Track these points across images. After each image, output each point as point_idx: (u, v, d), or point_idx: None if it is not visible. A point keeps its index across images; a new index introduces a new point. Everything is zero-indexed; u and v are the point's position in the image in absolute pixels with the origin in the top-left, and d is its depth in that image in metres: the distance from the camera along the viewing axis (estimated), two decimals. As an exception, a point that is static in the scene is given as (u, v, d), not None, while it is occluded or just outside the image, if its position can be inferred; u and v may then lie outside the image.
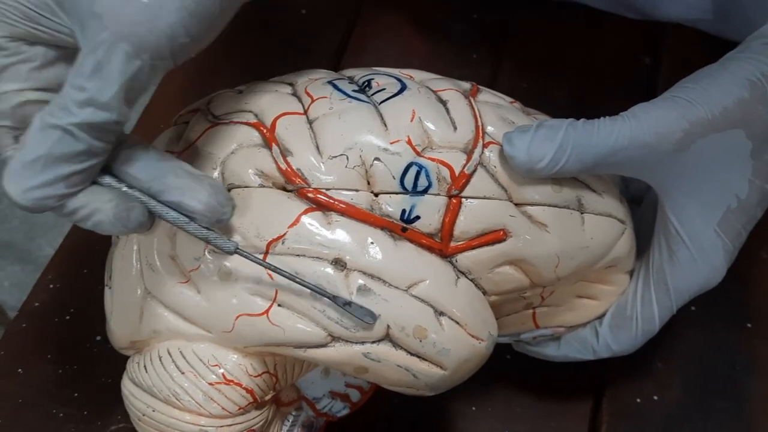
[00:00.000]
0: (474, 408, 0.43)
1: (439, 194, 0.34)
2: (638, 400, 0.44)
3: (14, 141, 0.30)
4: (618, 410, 0.43)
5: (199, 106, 0.37)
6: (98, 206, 0.29)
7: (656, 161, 0.34)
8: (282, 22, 0.58)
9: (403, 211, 0.33)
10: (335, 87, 0.35)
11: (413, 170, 0.33)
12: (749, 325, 0.46)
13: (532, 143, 0.33)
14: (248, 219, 0.32)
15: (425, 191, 0.33)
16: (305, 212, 0.33)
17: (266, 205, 0.33)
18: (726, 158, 0.35)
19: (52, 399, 0.42)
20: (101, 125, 0.28)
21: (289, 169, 0.33)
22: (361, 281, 0.32)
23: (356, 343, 0.32)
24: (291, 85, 0.37)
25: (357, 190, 0.33)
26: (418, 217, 0.33)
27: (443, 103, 0.35)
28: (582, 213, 0.36)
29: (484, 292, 0.35)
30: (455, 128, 0.34)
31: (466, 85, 0.38)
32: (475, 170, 0.34)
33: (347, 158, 0.33)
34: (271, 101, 0.35)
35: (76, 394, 0.42)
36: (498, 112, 0.36)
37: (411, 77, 0.37)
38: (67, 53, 0.30)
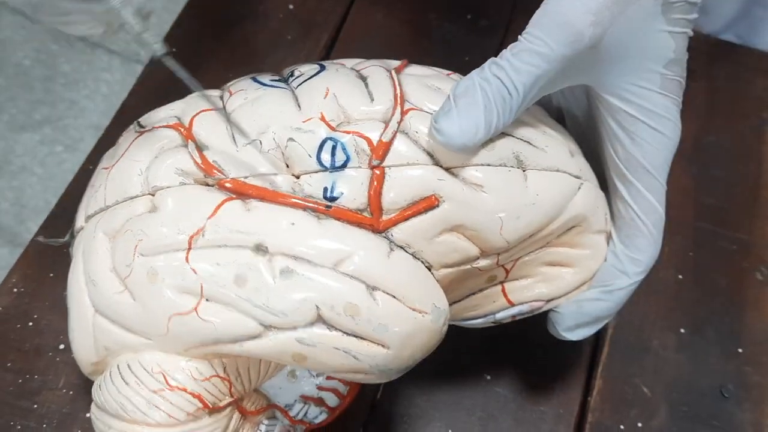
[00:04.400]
0: (451, 431, 0.42)
1: (360, 167, 0.33)
2: (622, 427, 0.42)
3: None
4: (600, 437, 0.42)
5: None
6: None
7: (578, 63, 0.33)
8: (269, 18, 0.56)
9: (325, 188, 0.32)
10: (254, 80, 0.36)
11: (328, 145, 0.33)
12: (740, 350, 0.44)
13: (460, 121, 0.32)
14: (170, 216, 0.32)
15: (344, 165, 0.33)
16: (223, 202, 0.32)
17: (186, 201, 0.33)
18: (642, 24, 0.33)
19: (11, 410, 0.41)
20: None
21: (204, 163, 0.33)
22: (283, 264, 0.31)
23: (288, 329, 0.31)
24: (223, 89, 0.37)
25: (276, 174, 0.33)
26: (341, 193, 0.32)
27: (363, 78, 0.35)
28: (523, 170, 0.34)
29: (429, 267, 0.33)
30: (372, 99, 0.34)
31: (395, 63, 0.37)
32: (394, 137, 0.33)
33: (260, 143, 0.33)
34: (192, 102, 0.35)
35: (35, 406, 0.41)
36: (422, 81, 0.35)
37: (342, 64, 0.37)
38: None
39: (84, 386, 0.41)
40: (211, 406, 0.33)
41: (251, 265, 0.31)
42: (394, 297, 0.32)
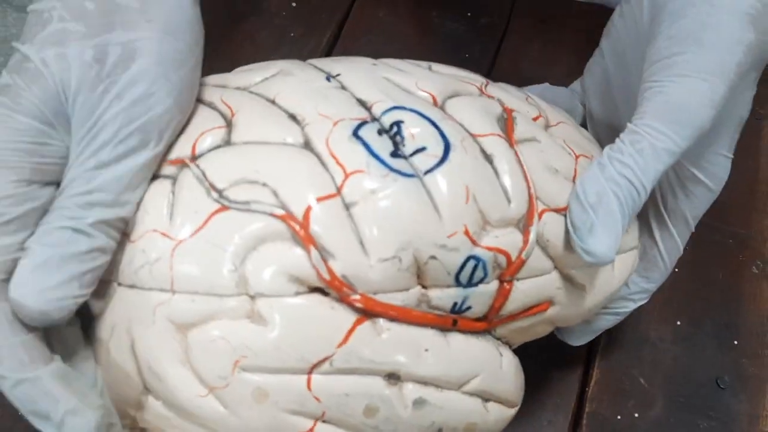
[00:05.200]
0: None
1: (492, 281, 0.31)
2: (619, 417, 0.43)
3: (2, 294, 0.27)
4: (598, 427, 0.42)
5: (181, 156, 0.30)
6: (82, 406, 0.26)
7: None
8: (273, 15, 0.57)
9: (455, 303, 0.31)
10: (367, 148, 0.29)
11: (470, 265, 0.30)
12: (736, 342, 0.45)
13: (607, 239, 0.31)
14: (287, 337, 0.28)
15: (480, 282, 0.31)
16: (354, 326, 0.28)
17: (307, 320, 0.28)
18: (736, 99, 0.34)
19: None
20: (112, 221, 0.27)
21: (333, 279, 0.28)
22: (415, 394, 0.30)
23: None
24: (297, 122, 0.30)
25: (407, 290, 0.29)
26: (469, 308, 0.31)
27: (490, 161, 0.31)
28: (612, 266, 0.35)
29: (511, 345, 0.34)
30: (509, 201, 0.31)
31: (497, 109, 0.33)
32: (531, 253, 0.31)
33: (400, 260, 0.29)
34: (292, 174, 0.29)
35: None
36: (542, 161, 0.32)
37: (434, 98, 0.32)
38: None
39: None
40: None
41: (383, 397, 0.29)
42: (502, 404, 0.33)
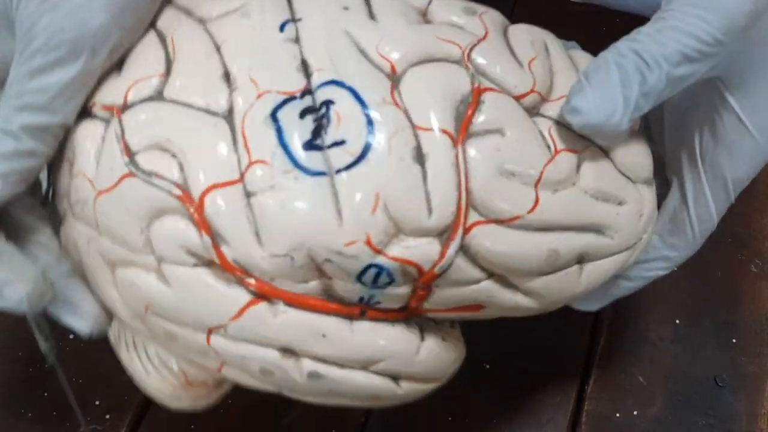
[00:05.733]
0: (450, 418, 0.43)
1: (403, 285, 0.29)
2: (618, 415, 0.43)
3: None
4: (597, 425, 0.43)
5: (114, 103, 0.30)
6: (12, 279, 0.30)
7: (722, 55, 0.29)
8: None
9: (361, 298, 0.30)
10: (280, 137, 0.28)
11: (372, 271, 0.28)
12: (734, 340, 0.45)
13: (595, 97, 0.28)
14: (186, 302, 0.29)
15: (386, 285, 0.29)
16: (248, 305, 0.29)
17: (203, 291, 0.29)
18: None
19: (22, 398, 0.42)
20: (42, 127, 0.29)
21: (223, 263, 0.28)
22: (311, 368, 0.30)
23: (309, 397, 0.32)
24: (228, 83, 0.29)
25: (306, 281, 0.29)
26: (378, 302, 0.30)
27: (421, 162, 0.28)
28: (582, 264, 0.32)
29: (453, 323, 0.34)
30: (430, 211, 0.28)
31: (465, 87, 0.29)
32: (449, 267, 0.29)
33: (292, 259, 0.28)
34: (201, 151, 0.28)
35: (46, 394, 0.42)
36: (494, 161, 0.28)
37: (392, 66, 0.29)
38: None
39: (95, 375, 0.42)
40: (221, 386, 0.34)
41: (278, 366, 0.30)
42: (418, 382, 0.32)
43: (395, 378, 0.31)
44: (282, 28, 0.30)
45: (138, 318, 0.31)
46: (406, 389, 0.32)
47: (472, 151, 0.29)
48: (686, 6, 0.28)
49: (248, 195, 0.28)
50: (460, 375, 0.43)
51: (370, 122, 0.28)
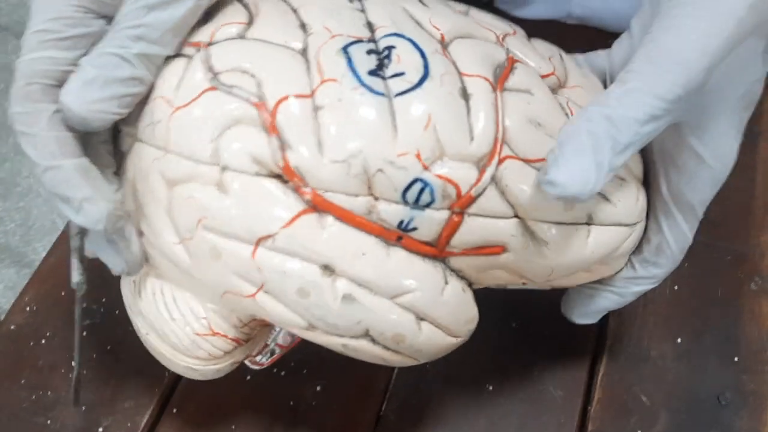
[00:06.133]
0: (454, 440, 0.43)
1: (441, 209, 0.33)
2: (621, 435, 0.43)
3: (50, 96, 0.32)
4: (601, 445, 0.43)
5: (200, 40, 0.34)
6: (93, 196, 0.32)
7: (682, 108, 0.32)
8: None
9: (401, 221, 0.32)
10: (349, 62, 0.32)
11: (417, 186, 0.32)
12: (736, 359, 0.45)
13: (569, 169, 0.30)
14: (241, 208, 0.32)
15: (427, 206, 0.32)
16: (300, 214, 0.32)
17: (260, 198, 0.32)
18: (741, 65, 0.33)
19: (25, 426, 0.42)
20: (153, 57, 0.32)
21: (287, 167, 0.31)
22: (346, 290, 0.32)
23: (335, 335, 0.33)
24: (304, 31, 0.33)
25: (356, 195, 0.32)
26: (415, 228, 0.33)
27: (466, 98, 0.33)
28: (589, 225, 0.35)
29: (470, 284, 0.35)
30: (472, 138, 0.32)
31: (500, 57, 0.35)
32: (483, 192, 0.33)
33: (349, 165, 0.31)
34: (279, 72, 0.32)
35: (49, 422, 0.42)
36: (526, 112, 0.33)
37: (442, 36, 0.34)
38: None
39: (98, 402, 0.42)
40: (245, 342, 0.36)
41: (316, 284, 0.32)
42: (438, 327, 0.34)
43: (419, 317, 0.33)
44: (351, 0, 0.35)
45: (182, 243, 0.33)
46: (427, 333, 0.34)
47: (507, 98, 0.33)
48: (649, 66, 0.31)
49: (316, 108, 0.32)
50: (465, 397, 0.44)
51: (425, 62, 0.33)
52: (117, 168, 0.35)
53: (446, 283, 0.34)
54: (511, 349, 0.45)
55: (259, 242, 0.32)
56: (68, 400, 0.42)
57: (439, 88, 0.32)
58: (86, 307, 0.45)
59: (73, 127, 0.32)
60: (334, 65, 0.32)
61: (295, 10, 0.34)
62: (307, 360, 0.44)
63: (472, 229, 0.33)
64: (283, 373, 0.44)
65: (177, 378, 0.44)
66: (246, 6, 0.35)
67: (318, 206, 0.32)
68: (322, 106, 0.32)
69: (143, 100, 0.33)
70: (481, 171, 0.32)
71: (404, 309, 0.33)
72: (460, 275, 0.35)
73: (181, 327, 0.35)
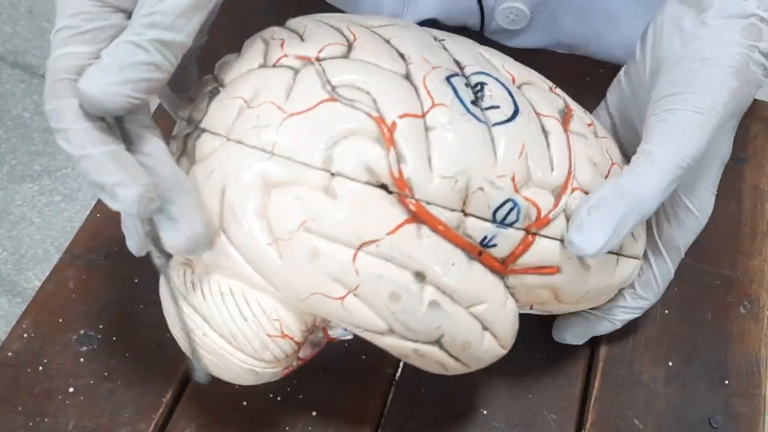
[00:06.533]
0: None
1: (520, 228, 0.36)
2: (614, 458, 0.43)
3: (75, 91, 0.33)
4: (594, 469, 0.43)
5: (308, 55, 0.36)
6: (126, 181, 0.33)
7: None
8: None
9: (485, 237, 0.36)
10: (455, 91, 0.36)
11: (508, 205, 0.36)
12: (726, 381, 0.46)
13: (590, 235, 0.36)
14: (349, 212, 0.34)
15: (510, 225, 0.36)
16: (404, 223, 0.34)
17: (368, 204, 0.34)
18: (721, 138, 0.40)
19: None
20: (167, 43, 0.33)
21: (400, 178, 0.34)
22: (433, 297, 0.35)
23: (410, 340, 0.36)
24: (404, 59, 0.37)
25: (452, 210, 0.35)
26: (495, 245, 0.36)
27: (545, 135, 0.38)
28: (618, 256, 0.40)
29: (516, 301, 0.39)
30: (552, 169, 0.37)
31: (561, 104, 0.40)
32: (557, 216, 0.37)
33: (456, 181, 0.35)
34: (392, 92, 0.35)
35: (47, 449, 0.42)
36: (586, 153, 0.39)
37: (513, 79, 0.39)
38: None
39: (94, 428, 0.43)
40: (301, 346, 0.38)
41: (408, 289, 0.34)
42: (496, 338, 0.38)
43: (484, 327, 0.37)
44: (435, 39, 0.40)
45: (276, 244, 0.34)
46: (488, 342, 0.37)
47: (574, 140, 0.38)
48: (664, 142, 0.37)
49: (427, 129, 0.35)
50: (459, 421, 0.44)
51: (513, 99, 0.37)
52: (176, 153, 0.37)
53: (506, 298, 0.38)
54: (504, 372, 0.45)
55: (362, 246, 0.34)
56: (65, 426, 0.42)
57: (528, 124, 0.37)
58: (83, 334, 0.45)
59: (91, 112, 0.33)
60: (442, 93, 0.36)
61: (387, 41, 0.38)
62: (302, 385, 0.44)
63: (539, 250, 0.37)
64: (279, 398, 0.44)
65: (174, 403, 0.44)
66: (340, 31, 0.38)
67: (419, 217, 0.35)
68: (433, 127, 0.35)
69: (230, 103, 0.36)
70: (557, 198, 0.37)
71: (475, 318, 0.36)
72: (511, 292, 0.38)
73: (253, 327, 0.36)
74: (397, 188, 0.34)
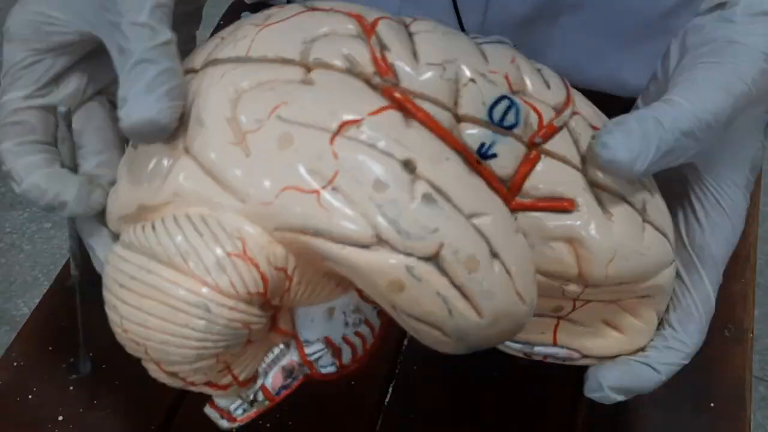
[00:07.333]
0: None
1: (521, 138, 0.33)
2: (602, 482, 0.44)
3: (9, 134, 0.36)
4: (581, 493, 0.43)
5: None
6: (61, 189, 0.35)
7: (709, 141, 0.35)
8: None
9: (482, 144, 0.32)
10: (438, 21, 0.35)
11: (505, 103, 0.33)
12: (712, 404, 0.46)
13: (624, 139, 0.33)
14: (327, 94, 0.31)
15: (510, 128, 0.33)
16: (388, 107, 0.31)
17: (349, 88, 0.31)
18: (749, 129, 0.38)
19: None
20: (158, 47, 0.32)
21: (383, 60, 0.32)
22: (426, 190, 0.30)
23: (403, 253, 0.29)
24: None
25: (443, 107, 0.32)
26: (494, 155, 0.32)
27: (538, 69, 0.36)
28: (644, 220, 0.35)
29: None
30: (548, 87, 0.35)
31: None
32: (562, 127, 0.34)
33: (444, 69, 0.32)
34: (374, 9, 0.34)
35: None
36: (585, 101, 0.37)
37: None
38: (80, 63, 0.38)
39: None
40: (267, 297, 0.31)
41: (396, 176, 0.30)
42: (509, 273, 0.31)
43: (492, 252, 0.31)
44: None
45: (242, 142, 0.31)
46: (498, 275, 0.31)
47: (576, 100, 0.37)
48: (689, 93, 0.34)
49: (410, 33, 0.33)
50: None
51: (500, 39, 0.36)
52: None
53: (516, 231, 0.32)
54: (490, 399, 0.45)
55: (342, 127, 0.30)
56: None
57: (514, 50, 0.35)
58: (73, 362, 0.45)
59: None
60: (425, 20, 0.35)
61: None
62: (290, 414, 0.44)
63: (546, 174, 0.33)
64: (268, 425, 0.44)
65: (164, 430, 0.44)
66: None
67: (406, 107, 0.31)
68: (416, 32, 0.33)
69: (206, 44, 0.35)
70: (559, 111, 0.34)
71: (479, 233, 0.31)
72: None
73: (208, 242, 0.30)
74: (380, 77, 0.32)
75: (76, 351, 0.45)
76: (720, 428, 0.46)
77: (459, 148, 0.32)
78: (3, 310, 1.17)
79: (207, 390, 0.34)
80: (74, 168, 0.37)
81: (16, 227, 1.26)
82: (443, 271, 0.30)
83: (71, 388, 0.45)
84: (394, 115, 0.31)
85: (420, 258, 0.30)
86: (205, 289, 0.30)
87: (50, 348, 0.46)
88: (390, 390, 0.46)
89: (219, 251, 0.30)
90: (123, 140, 0.38)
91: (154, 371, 0.33)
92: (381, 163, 0.30)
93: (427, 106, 0.32)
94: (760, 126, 0.39)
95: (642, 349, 0.38)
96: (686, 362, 0.39)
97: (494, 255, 0.31)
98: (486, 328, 0.31)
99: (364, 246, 0.29)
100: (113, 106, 0.39)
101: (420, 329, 0.31)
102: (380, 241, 0.29)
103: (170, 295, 0.30)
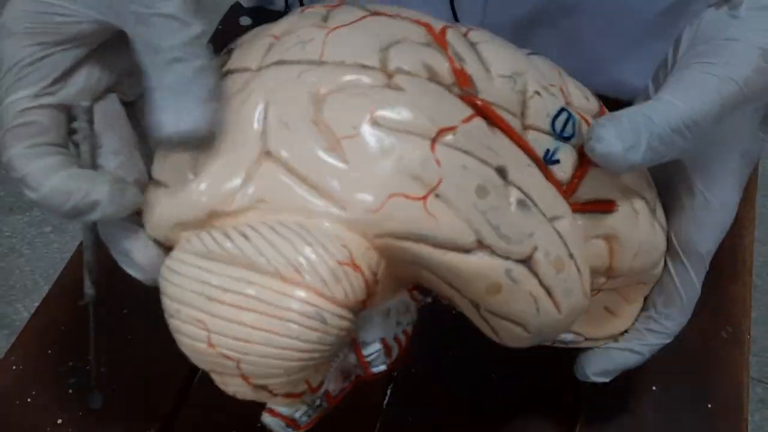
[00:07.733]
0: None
1: (576, 146, 0.35)
2: (600, 484, 0.44)
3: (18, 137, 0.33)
4: (580, 495, 0.43)
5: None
6: (91, 188, 0.32)
7: (698, 138, 0.35)
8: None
9: (547, 150, 0.34)
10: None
11: (564, 115, 0.34)
12: (710, 405, 0.46)
13: (616, 129, 0.33)
14: (419, 102, 0.31)
15: (569, 138, 0.34)
16: (474, 115, 0.32)
17: (436, 96, 0.31)
18: (742, 124, 0.38)
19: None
20: (191, 42, 0.31)
21: (463, 75, 0.32)
22: (519, 195, 0.31)
23: (503, 257, 0.31)
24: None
25: (513, 116, 0.33)
26: (557, 161, 0.34)
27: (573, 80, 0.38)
28: (654, 218, 0.38)
29: None
30: (587, 99, 0.37)
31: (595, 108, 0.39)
32: None
33: (515, 81, 0.33)
34: (430, 16, 0.34)
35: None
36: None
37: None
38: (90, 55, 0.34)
39: None
40: (367, 304, 0.31)
41: (495, 184, 0.31)
42: (580, 272, 0.33)
43: (569, 252, 0.33)
44: None
45: (336, 148, 0.30)
46: (572, 273, 0.33)
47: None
48: (672, 93, 0.35)
49: (473, 44, 0.34)
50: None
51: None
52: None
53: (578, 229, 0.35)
54: (491, 402, 0.46)
55: (439, 134, 0.30)
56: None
57: (564, 74, 0.38)
58: (72, 365, 0.45)
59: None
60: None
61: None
62: None
63: (597, 176, 0.35)
64: (267, 428, 0.44)
65: (162, 435, 0.44)
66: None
67: (487, 115, 0.32)
68: (477, 42, 0.34)
69: (255, 43, 0.33)
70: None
71: (559, 236, 0.32)
72: None
73: (319, 252, 0.29)
74: (459, 87, 0.32)
75: (76, 354, 0.45)
76: (718, 430, 0.46)
77: (533, 155, 0.33)
78: (2, 314, 1.17)
79: (281, 401, 0.32)
80: (94, 170, 0.34)
81: (15, 231, 1.27)
82: (534, 273, 0.32)
83: (70, 392, 0.45)
84: (480, 123, 0.32)
85: (516, 261, 0.31)
86: (321, 300, 0.29)
87: (49, 352, 0.46)
88: (390, 390, 0.46)
89: (331, 261, 0.29)
90: (139, 140, 0.36)
91: (235, 386, 0.31)
92: (480, 170, 0.31)
93: (501, 112, 0.33)
94: (756, 120, 0.39)
95: (626, 331, 0.41)
96: (668, 341, 0.41)
97: (570, 255, 0.33)
98: (561, 323, 0.33)
99: (466, 251, 0.30)
100: (124, 104, 0.37)
101: (502, 326, 0.33)
102: (482, 246, 0.30)
103: (281, 307, 0.29)
